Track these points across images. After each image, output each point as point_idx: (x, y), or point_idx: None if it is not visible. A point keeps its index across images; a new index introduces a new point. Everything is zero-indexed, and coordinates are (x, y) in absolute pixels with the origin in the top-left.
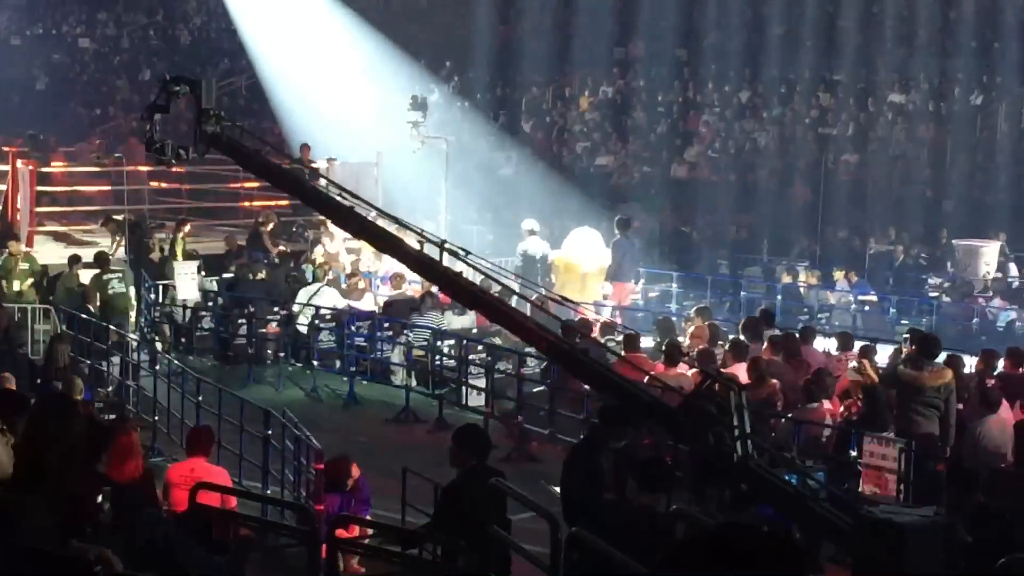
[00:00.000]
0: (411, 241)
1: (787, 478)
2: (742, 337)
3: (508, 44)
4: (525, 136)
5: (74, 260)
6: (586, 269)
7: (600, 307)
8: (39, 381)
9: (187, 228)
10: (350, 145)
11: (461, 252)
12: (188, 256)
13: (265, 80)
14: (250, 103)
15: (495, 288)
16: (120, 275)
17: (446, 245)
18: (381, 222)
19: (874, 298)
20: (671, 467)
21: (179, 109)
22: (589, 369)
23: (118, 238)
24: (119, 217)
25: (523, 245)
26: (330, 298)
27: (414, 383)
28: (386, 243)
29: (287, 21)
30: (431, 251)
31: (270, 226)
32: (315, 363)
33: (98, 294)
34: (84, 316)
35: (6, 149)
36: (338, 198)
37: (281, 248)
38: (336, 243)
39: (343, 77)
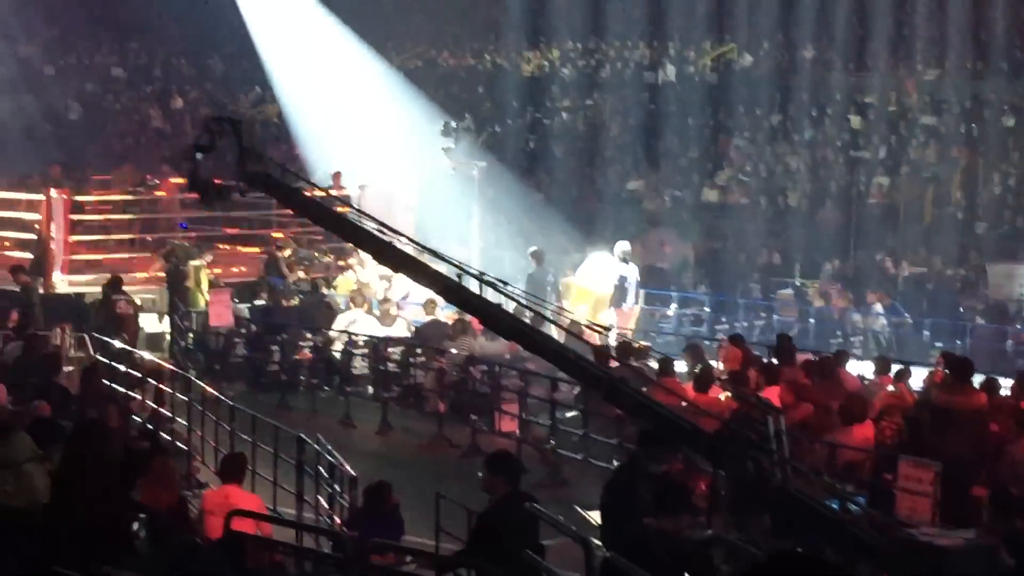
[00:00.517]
0: (441, 269)
1: (828, 503)
2: (775, 361)
3: (539, 69)
4: (556, 161)
5: (109, 288)
6: (599, 294)
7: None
8: (74, 409)
9: (208, 258)
10: (381, 171)
11: (499, 283)
12: (212, 285)
13: (294, 108)
14: (283, 131)
15: (526, 315)
16: (128, 297)
17: (484, 277)
18: (412, 252)
19: (908, 321)
20: (685, 489)
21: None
22: (629, 398)
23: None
24: (179, 241)
25: (530, 270)
26: (366, 326)
27: (447, 409)
28: (427, 277)
29: (313, 50)
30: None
31: (287, 252)
32: (348, 389)
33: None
34: (119, 343)
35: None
36: (377, 233)
37: (300, 275)
38: (368, 270)
39: (374, 103)
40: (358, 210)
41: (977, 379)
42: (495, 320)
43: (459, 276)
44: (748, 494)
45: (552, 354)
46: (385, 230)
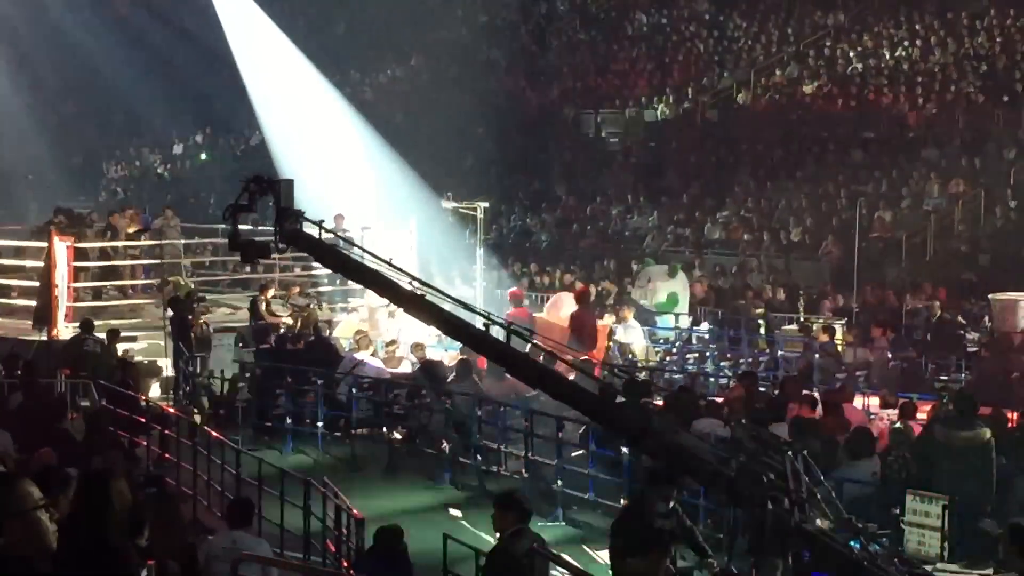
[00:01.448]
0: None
1: (849, 542)
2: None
3: (541, 108)
4: (558, 200)
5: (112, 335)
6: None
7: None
8: (80, 456)
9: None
10: (384, 213)
11: (526, 333)
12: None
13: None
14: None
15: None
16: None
17: (512, 327)
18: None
19: (912, 354)
20: (656, 528)
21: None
22: (659, 442)
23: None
24: (176, 279)
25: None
26: (373, 368)
27: (453, 450)
28: (458, 331)
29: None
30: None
31: (269, 293)
32: (354, 432)
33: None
34: (122, 390)
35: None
36: (408, 287)
37: (283, 319)
38: (374, 312)
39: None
40: (394, 266)
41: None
42: (524, 369)
43: (486, 327)
44: (766, 535)
45: (580, 401)
46: (420, 285)
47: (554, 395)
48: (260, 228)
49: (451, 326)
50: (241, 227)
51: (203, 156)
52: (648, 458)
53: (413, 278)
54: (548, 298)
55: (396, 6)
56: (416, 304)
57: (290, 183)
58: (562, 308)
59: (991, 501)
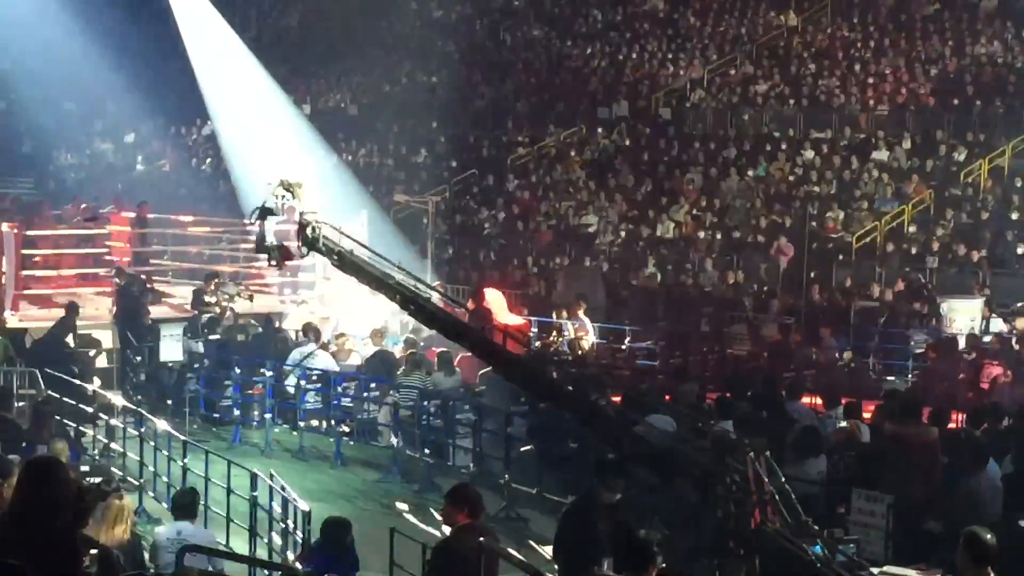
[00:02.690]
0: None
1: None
2: (727, 395)
3: (494, 103)
4: (510, 195)
5: (71, 310)
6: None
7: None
8: (24, 445)
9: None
10: (333, 205)
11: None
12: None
13: (235, 143)
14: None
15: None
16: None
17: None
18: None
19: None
20: (650, 544)
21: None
22: (646, 449)
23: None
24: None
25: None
26: (323, 361)
27: (401, 443)
28: (460, 335)
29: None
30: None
31: (212, 284)
32: (301, 424)
33: None
34: (68, 379)
35: None
36: (421, 293)
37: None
38: (330, 305)
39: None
40: (404, 270)
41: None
42: (527, 377)
43: (504, 339)
44: (727, 537)
45: (591, 413)
46: (425, 289)
47: (559, 405)
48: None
49: (452, 330)
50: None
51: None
52: (613, 451)
53: (420, 282)
54: None
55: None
56: (422, 309)
57: (312, 188)
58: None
59: (936, 501)
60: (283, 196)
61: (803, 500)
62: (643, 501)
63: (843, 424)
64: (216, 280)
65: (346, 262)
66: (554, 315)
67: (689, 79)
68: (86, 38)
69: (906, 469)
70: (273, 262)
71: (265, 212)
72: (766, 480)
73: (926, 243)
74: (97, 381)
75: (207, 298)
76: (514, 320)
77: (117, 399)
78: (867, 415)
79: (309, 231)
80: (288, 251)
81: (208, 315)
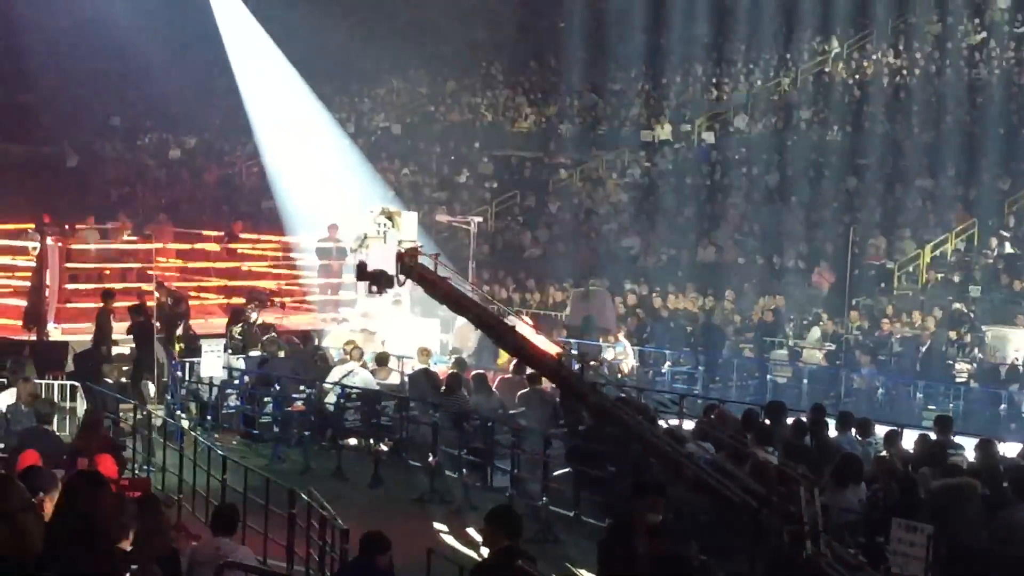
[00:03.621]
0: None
1: None
2: (767, 422)
3: (536, 125)
4: (552, 217)
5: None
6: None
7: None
8: (66, 458)
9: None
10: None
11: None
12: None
13: (283, 158)
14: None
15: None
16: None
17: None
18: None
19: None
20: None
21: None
22: (692, 474)
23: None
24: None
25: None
26: (362, 379)
27: (439, 463)
28: (538, 363)
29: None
30: None
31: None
32: (341, 442)
33: None
34: (109, 392)
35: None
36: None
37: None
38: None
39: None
40: (487, 298)
41: (971, 442)
42: (598, 411)
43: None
44: (779, 567)
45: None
46: (512, 318)
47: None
48: None
49: (531, 358)
50: None
51: None
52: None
53: (502, 309)
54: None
55: (396, 19)
56: (503, 336)
57: (412, 217)
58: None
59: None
60: (384, 224)
61: (842, 529)
62: (681, 525)
63: (883, 453)
64: (255, 298)
65: (437, 290)
66: (600, 340)
67: (732, 104)
68: (132, 54)
69: (944, 505)
70: (375, 288)
71: (368, 237)
72: (819, 511)
73: (969, 271)
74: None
75: (248, 314)
76: (544, 345)
77: (159, 413)
78: (907, 444)
79: (407, 259)
80: (389, 278)
81: (243, 330)
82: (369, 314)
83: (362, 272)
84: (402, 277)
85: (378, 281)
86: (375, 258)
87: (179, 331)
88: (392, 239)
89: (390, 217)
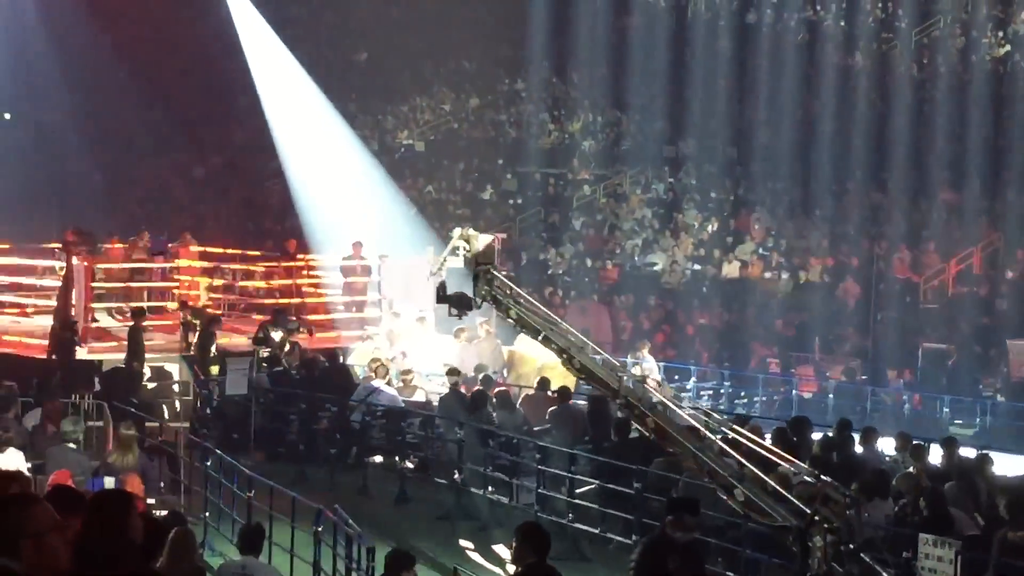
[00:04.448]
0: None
1: None
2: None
3: (560, 142)
4: (576, 233)
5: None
6: (539, 363)
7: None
8: (94, 476)
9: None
10: (399, 241)
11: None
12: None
13: (310, 179)
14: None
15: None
16: None
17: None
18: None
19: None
20: None
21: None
22: (743, 495)
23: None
24: (192, 304)
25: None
26: (388, 397)
27: (465, 481)
28: (608, 389)
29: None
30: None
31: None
32: (367, 460)
33: None
34: (134, 411)
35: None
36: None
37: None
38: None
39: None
40: (565, 325)
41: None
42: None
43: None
44: None
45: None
46: (581, 340)
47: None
48: None
49: (597, 379)
50: None
51: None
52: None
53: (575, 335)
54: None
55: (419, 36)
56: (573, 360)
57: (488, 239)
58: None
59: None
60: (462, 247)
61: (868, 543)
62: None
63: (910, 469)
64: (278, 316)
65: (512, 314)
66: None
67: (756, 118)
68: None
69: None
70: (455, 311)
71: (446, 262)
72: (858, 531)
73: (995, 285)
74: (166, 413)
75: (271, 333)
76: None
77: (184, 432)
78: (934, 458)
79: (483, 282)
80: (468, 300)
81: (269, 350)
82: (394, 333)
83: (441, 294)
84: (479, 300)
85: (458, 303)
86: (453, 280)
87: (213, 351)
88: (469, 261)
89: (468, 239)
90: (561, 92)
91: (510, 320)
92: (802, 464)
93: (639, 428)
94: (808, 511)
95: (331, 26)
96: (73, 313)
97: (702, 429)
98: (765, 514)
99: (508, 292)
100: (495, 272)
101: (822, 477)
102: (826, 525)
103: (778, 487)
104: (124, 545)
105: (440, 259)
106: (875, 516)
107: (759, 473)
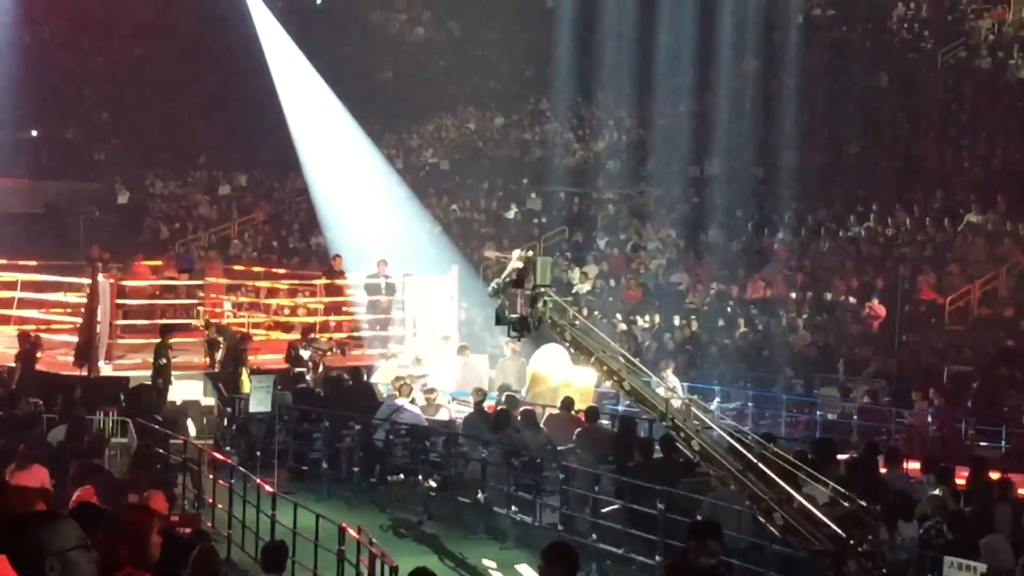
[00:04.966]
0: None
1: None
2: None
3: (584, 161)
4: (601, 253)
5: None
6: (554, 382)
7: None
8: (117, 494)
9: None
10: (423, 259)
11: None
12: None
13: (332, 194)
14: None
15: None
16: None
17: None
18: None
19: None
20: None
21: None
22: (782, 519)
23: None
24: (217, 321)
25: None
26: (411, 416)
27: (488, 500)
28: (649, 405)
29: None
30: None
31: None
32: (390, 478)
33: None
34: (158, 428)
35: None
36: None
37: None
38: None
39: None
40: (617, 348)
41: None
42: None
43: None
44: None
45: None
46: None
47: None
48: None
49: (645, 401)
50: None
51: None
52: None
53: (629, 360)
54: None
55: (444, 55)
56: (624, 383)
57: (547, 262)
58: (550, 360)
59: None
60: (523, 269)
61: (894, 566)
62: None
63: (936, 492)
64: (310, 335)
65: (567, 336)
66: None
67: (781, 138)
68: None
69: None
70: (515, 333)
71: (507, 285)
72: (888, 556)
73: (1021, 307)
74: (192, 431)
75: (302, 352)
76: (580, 376)
77: (208, 449)
78: (960, 481)
79: (540, 304)
80: (527, 323)
81: (301, 370)
82: (421, 360)
83: (501, 317)
84: (536, 322)
85: (518, 326)
86: (513, 302)
87: (246, 370)
88: (528, 284)
89: (528, 262)
90: (586, 111)
91: (565, 343)
92: (840, 488)
93: (684, 449)
94: (844, 535)
95: (357, 44)
96: (98, 331)
97: (745, 452)
98: (803, 538)
99: (565, 314)
100: (552, 294)
101: (858, 501)
102: (860, 550)
103: (817, 511)
104: (148, 563)
105: (500, 281)
106: (899, 538)
107: (799, 497)
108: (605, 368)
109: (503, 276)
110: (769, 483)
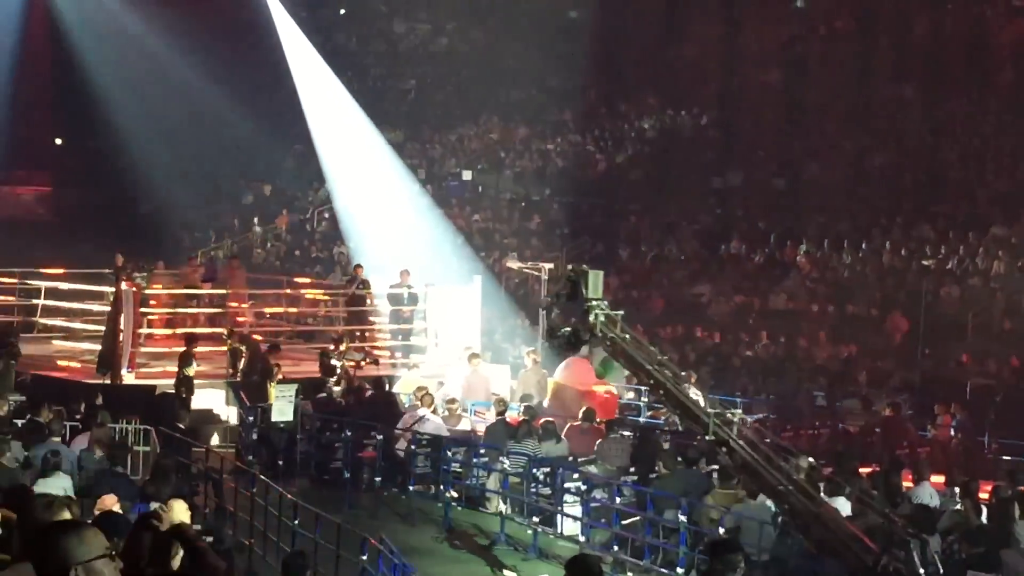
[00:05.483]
0: None
1: None
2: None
3: (607, 173)
4: (623, 264)
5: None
6: (578, 393)
7: None
8: (140, 502)
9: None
10: (446, 270)
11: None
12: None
13: (355, 204)
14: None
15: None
16: None
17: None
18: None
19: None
20: None
21: None
22: (818, 533)
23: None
24: (240, 330)
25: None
26: (433, 426)
27: (509, 510)
28: (696, 421)
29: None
30: None
31: (341, 347)
32: (411, 488)
33: None
34: (179, 436)
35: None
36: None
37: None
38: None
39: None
40: (666, 363)
41: None
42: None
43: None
44: None
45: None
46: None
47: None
48: None
49: (694, 419)
50: None
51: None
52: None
53: (675, 373)
54: None
55: (467, 65)
56: (671, 396)
57: (598, 275)
58: (574, 371)
59: None
60: (571, 285)
61: None
62: None
63: (958, 506)
64: (342, 345)
65: (617, 349)
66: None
67: (804, 150)
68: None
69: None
70: (569, 346)
71: (559, 299)
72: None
73: None
74: (215, 440)
75: (334, 362)
76: (601, 389)
77: (230, 458)
78: (984, 495)
79: (591, 317)
80: (579, 339)
81: (333, 379)
82: (438, 361)
83: (553, 332)
84: (587, 335)
85: (570, 343)
86: (565, 316)
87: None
88: (580, 298)
89: (578, 275)
90: (609, 122)
91: (617, 356)
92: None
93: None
94: (877, 550)
95: (380, 55)
96: (121, 339)
97: (784, 465)
98: (838, 552)
99: (615, 327)
100: (604, 307)
101: (891, 516)
102: (892, 568)
103: (852, 527)
104: (166, 569)
105: (552, 296)
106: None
107: (835, 510)
108: (652, 381)
109: (555, 290)
110: (809, 497)
